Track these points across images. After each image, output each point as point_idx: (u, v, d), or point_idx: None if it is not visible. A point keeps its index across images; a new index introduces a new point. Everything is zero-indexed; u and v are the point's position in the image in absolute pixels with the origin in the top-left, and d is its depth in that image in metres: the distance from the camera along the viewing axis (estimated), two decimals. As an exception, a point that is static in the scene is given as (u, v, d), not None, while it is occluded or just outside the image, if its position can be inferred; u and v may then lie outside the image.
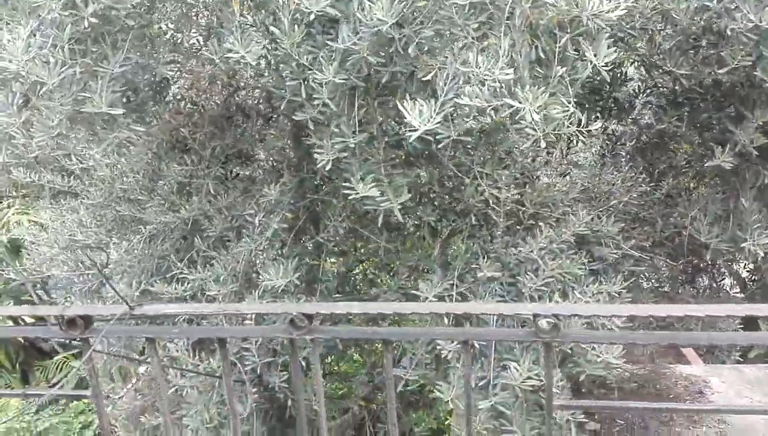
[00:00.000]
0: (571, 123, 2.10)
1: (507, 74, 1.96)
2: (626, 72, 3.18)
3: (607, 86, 3.15)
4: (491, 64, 1.98)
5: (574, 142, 3.28)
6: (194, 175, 3.20)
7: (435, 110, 2.05)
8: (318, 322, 1.62)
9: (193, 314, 1.48)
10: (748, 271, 4.09)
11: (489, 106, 2.02)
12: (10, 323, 6.10)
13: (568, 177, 3.23)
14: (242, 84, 3.38)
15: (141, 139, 3.13)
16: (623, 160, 3.40)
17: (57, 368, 7.35)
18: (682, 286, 3.56)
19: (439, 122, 2.06)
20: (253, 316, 2.81)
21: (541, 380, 2.50)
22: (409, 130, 2.06)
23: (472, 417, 1.66)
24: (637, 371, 5.57)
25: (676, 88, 3.03)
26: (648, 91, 3.17)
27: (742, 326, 4.08)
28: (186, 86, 3.25)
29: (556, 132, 2.07)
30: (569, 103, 2.02)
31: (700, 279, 3.83)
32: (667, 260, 3.18)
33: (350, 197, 2.34)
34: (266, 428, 3.17)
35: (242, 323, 2.84)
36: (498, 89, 2.01)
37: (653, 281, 3.58)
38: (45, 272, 4.44)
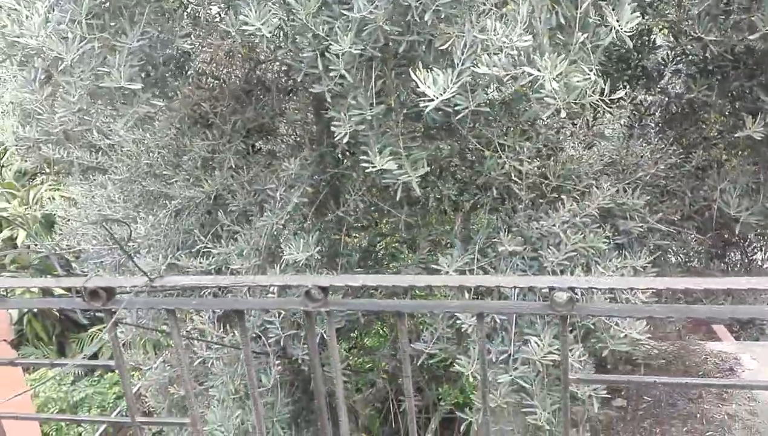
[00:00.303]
0: (594, 92, 2.04)
1: (525, 41, 1.91)
2: (654, 39, 3.08)
3: (635, 54, 3.06)
4: (509, 31, 1.92)
5: (600, 112, 3.19)
6: (216, 149, 3.21)
7: (452, 80, 2.01)
8: (339, 295, 1.62)
9: (211, 285, 1.50)
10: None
11: (507, 74, 1.97)
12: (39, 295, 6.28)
13: (594, 149, 3.15)
14: (262, 57, 3.37)
15: (163, 115, 3.15)
16: (651, 131, 3.30)
17: (92, 341, 7.55)
18: (712, 260, 3.47)
19: (456, 92, 2.02)
20: (275, 289, 2.83)
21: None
22: (426, 101, 2.03)
23: (487, 391, 1.65)
24: (665, 347, 5.49)
25: (706, 55, 2.91)
26: (677, 59, 3.06)
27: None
28: (206, 60, 3.25)
29: (577, 101, 2.01)
30: (591, 70, 1.96)
31: (731, 254, 3.73)
32: (696, 234, 3.10)
33: (368, 171, 2.31)
34: (291, 400, 3.21)
35: (265, 296, 2.86)
36: (516, 57, 1.96)
37: (681, 255, 3.50)
38: (76, 247, 4.54)
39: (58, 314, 7.32)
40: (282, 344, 2.94)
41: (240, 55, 3.18)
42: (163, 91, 2.96)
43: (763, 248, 3.61)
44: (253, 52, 3.11)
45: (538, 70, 1.90)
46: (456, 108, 2.16)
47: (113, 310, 1.59)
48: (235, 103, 3.17)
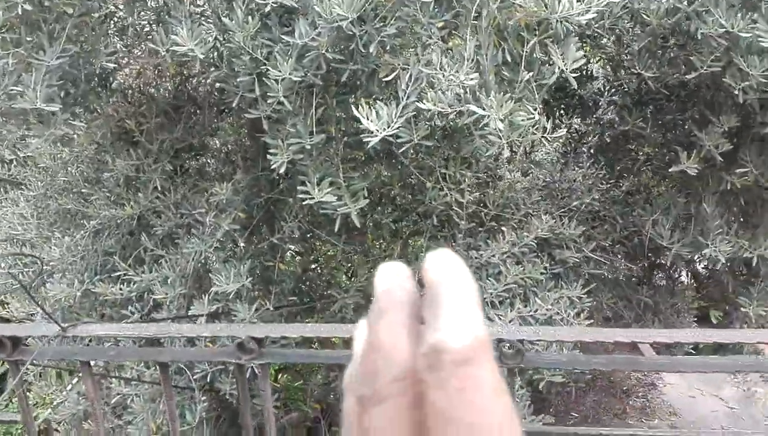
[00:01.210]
0: (536, 129, 2.03)
1: (472, 79, 1.87)
2: (592, 70, 3.13)
3: (573, 84, 3.09)
4: (457, 67, 1.88)
5: (538, 141, 3.21)
6: (141, 169, 3.02)
7: (396, 114, 1.94)
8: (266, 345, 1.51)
9: (131, 336, 1.37)
10: (703, 267, 4.12)
11: (452, 111, 1.92)
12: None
13: (530, 176, 3.17)
14: (194, 71, 3.20)
15: (82, 131, 2.93)
16: (586, 159, 3.35)
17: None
18: (640, 285, 3.56)
19: (400, 127, 1.96)
20: (203, 320, 2.68)
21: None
22: (368, 136, 1.95)
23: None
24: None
25: (641, 87, 2.99)
26: (613, 90, 3.12)
27: (695, 320, 4.12)
28: (132, 75, 3.06)
29: (520, 138, 1.99)
30: (535, 109, 1.94)
31: (657, 277, 3.85)
32: (626, 262, 3.16)
33: (305, 202, 2.21)
34: (218, 433, 3.05)
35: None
36: (462, 94, 1.91)
37: (611, 281, 3.57)
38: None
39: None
40: (209, 378, 2.79)
41: (169, 72, 3.00)
42: (84, 107, 2.76)
43: (687, 273, 3.74)
44: (183, 68, 2.95)
45: (484, 109, 1.86)
46: (399, 140, 2.09)
47: (20, 361, 1.42)
48: (164, 119, 2.99)
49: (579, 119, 3.28)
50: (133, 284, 2.94)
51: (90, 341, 2.16)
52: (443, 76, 1.88)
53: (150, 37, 2.66)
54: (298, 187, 2.29)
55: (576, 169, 3.37)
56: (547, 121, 2.10)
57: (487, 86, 1.92)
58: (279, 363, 2.94)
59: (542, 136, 2.03)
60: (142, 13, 2.66)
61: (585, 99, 3.22)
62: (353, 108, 1.86)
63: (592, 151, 3.37)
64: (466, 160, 2.75)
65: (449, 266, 0.41)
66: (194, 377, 2.65)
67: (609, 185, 3.35)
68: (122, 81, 3.09)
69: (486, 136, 1.97)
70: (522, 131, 1.95)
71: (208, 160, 3.00)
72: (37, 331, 1.27)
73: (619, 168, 3.39)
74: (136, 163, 2.90)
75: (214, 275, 2.58)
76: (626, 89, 3.03)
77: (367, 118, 1.88)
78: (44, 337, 1.23)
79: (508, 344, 1.32)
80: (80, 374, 3.27)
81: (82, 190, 3.44)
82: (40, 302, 2.72)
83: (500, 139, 1.90)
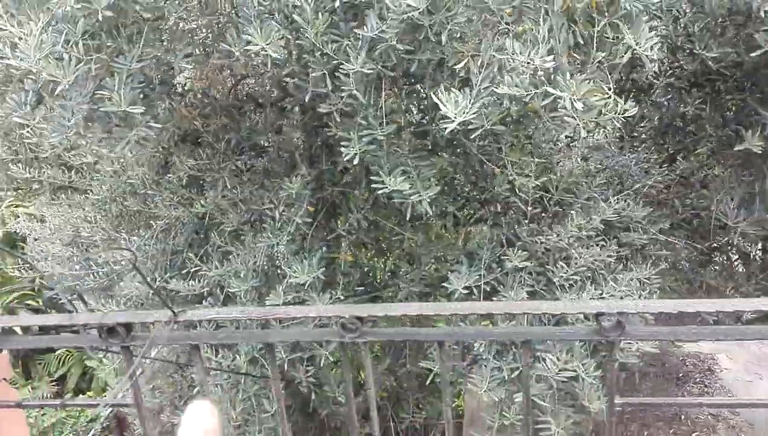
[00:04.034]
0: (608, 110, 2.04)
1: (547, 62, 1.90)
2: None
3: (647, 65, 3.10)
4: (531, 51, 1.91)
5: (596, 125, 3.22)
6: (206, 168, 3.11)
7: (471, 100, 1.99)
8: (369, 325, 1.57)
9: (240, 318, 1.44)
10: (760, 249, 4.08)
11: (528, 94, 1.96)
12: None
13: (589, 161, 3.18)
14: (250, 72, 3.28)
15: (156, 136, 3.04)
16: (644, 143, 3.35)
17: (60, 362, 7.28)
18: (702, 267, 3.54)
19: (474, 112, 2.00)
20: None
21: (574, 371, 2.48)
22: (444, 122, 1.99)
23: (529, 411, 1.62)
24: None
25: (698, 69, 2.98)
26: (668, 72, 3.11)
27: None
28: (195, 77, 3.15)
29: (595, 120, 2.02)
30: (609, 90, 1.96)
31: (716, 259, 3.82)
32: (691, 243, 3.15)
33: (379, 191, 2.27)
34: (290, 423, 3.12)
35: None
36: (538, 77, 1.94)
37: (672, 263, 3.56)
38: (49, 270, 4.35)
39: (22, 337, 7.03)
40: (284, 367, 2.87)
41: (230, 71, 3.09)
42: (155, 113, 2.86)
43: (750, 255, 3.70)
44: (246, 69, 3.03)
45: (561, 91, 1.89)
46: (470, 127, 2.13)
47: (132, 347, 1.50)
48: (227, 119, 3.08)
49: (635, 103, 3.27)
50: (204, 280, 3.04)
51: (197, 326, 2.25)
52: (517, 59, 1.92)
53: (217, 44, 2.75)
54: (370, 178, 2.35)
55: (634, 155, 3.37)
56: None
57: (562, 68, 1.95)
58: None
59: (614, 117, 2.04)
60: (212, 16, 2.74)
61: (639, 82, 3.22)
62: (432, 94, 1.91)
63: (651, 136, 3.36)
64: (528, 146, 2.78)
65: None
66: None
67: (666, 169, 3.34)
68: (184, 83, 3.19)
69: (558, 117, 2.00)
70: (598, 112, 1.98)
71: (273, 157, 3.07)
72: (151, 317, 1.35)
73: (675, 151, 3.39)
74: (204, 162, 2.99)
75: (286, 268, 2.65)
76: (683, 71, 3.03)
77: (446, 105, 1.92)
78: (158, 322, 1.31)
79: (607, 318, 1.36)
80: (190, 364, 3.36)
81: (148, 192, 3.56)
82: (157, 290, 2.84)
83: (575, 119, 1.93)
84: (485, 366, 2.56)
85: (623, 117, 3.48)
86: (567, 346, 2.50)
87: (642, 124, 3.39)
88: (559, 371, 2.43)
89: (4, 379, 3.96)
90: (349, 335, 1.47)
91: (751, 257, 3.52)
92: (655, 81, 3.20)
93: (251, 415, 2.91)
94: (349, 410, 1.80)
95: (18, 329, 4.90)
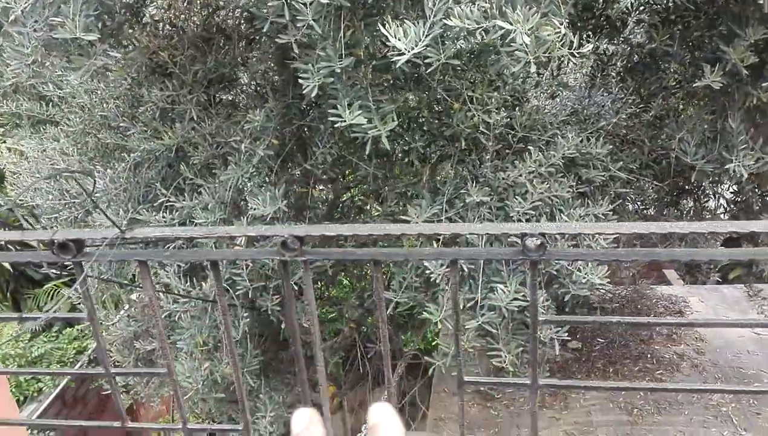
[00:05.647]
0: (562, 45, 2.05)
1: (498, -7, 1.90)
2: (619, -12, 3.09)
3: (600, 3, 3.07)
4: (482, -17, 1.90)
5: (565, 62, 3.22)
6: (176, 100, 3.12)
7: (423, 32, 1.99)
8: (310, 246, 1.63)
9: (183, 236, 1.47)
10: (731, 192, 4.13)
11: (479, 27, 1.96)
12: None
13: (557, 99, 3.19)
14: (221, 3, 3.25)
15: (118, 65, 3.03)
16: (613, 81, 3.35)
17: (48, 296, 7.40)
18: (667, 208, 3.60)
19: (427, 45, 2.01)
20: (243, 241, 2.82)
21: (527, 300, 2.56)
22: (396, 55, 2.00)
23: (460, 334, 1.69)
24: (619, 291, 5.72)
25: (669, 5, 2.96)
26: (641, 8, 3.09)
27: (723, 246, 4.16)
28: (163, 6, 3.12)
29: (547, 54, 2.03)
30: (561, 24, 1.96)
31: (684, 201, 3.87)
32: (654, 182, 3.20)
33: (336, 125, 2.29)
34: (260, 351, 3.24)
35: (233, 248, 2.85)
36: (489, 10, 1.94)
37: (638, 203, 3.61)
38: (29, 202, 4.40)
39: (11, 270, 7.13)
40: (250, 296, 2.95)
41: (198, 2, 3.06)
42: (118, 40, 2.85)
43: (715, 196, 3.75)
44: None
45: (510, 24, 1.90)
46: (426, 60, 2.14)
47: (83, 262, 1.57)
48: (195, 51, 3.06)
49: (607, 40, 3.26)
50: (175, 212, 3.09)
51: (146, 245, 2.31)
52: (469, -9, 1.91)
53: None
54: (329, 112, 2.37)
55: (605, 94, 3.38)
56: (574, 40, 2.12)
57: (513, 1, 1.95)
58: (320, 262, 3.07)
59: (569, 52, 2.05)
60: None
61: (612, 19, 3.20)
62: (381, 27, 1.91)
63: (620, 73, 3.36)
64: (493, 82, 2.79)
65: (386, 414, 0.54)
66: (236, 293, 2.81)
67: (637, 108, 3.36)
68: (153, 13, 3.16)
69: (512, 53, 2.01)
70: (549, 46, 1.99)
71: (240, 90, 3.08)
72: (99, 235, 1.39)
73: (647, 91, 3.39)
74: (171, 94, 2.99)
75: (250, 198, 2.70)
76: (654, 7, 3.01)
77: (395, 37, 1.93)
78: (105, 239, 1.35)
79: (531, 238, 1.40)
80: (133, 287, 3.46)
81: (120, 125, 3.57)
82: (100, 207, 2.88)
83: (526, 54, 1.94)
84: (442, 296, 2.64)
85: (595, 56, 3.48)
86: (520, 277, 2.57)
87: (613, 64, 3.39)
88: (511, 300, 2.51)
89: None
90: (289, 254, 1.53)
91: (718, 198, 3.57)
92: (627, 17, 3.19)
93: (219, 342, 3.02)
94: (294, 333, 1.88)
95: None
